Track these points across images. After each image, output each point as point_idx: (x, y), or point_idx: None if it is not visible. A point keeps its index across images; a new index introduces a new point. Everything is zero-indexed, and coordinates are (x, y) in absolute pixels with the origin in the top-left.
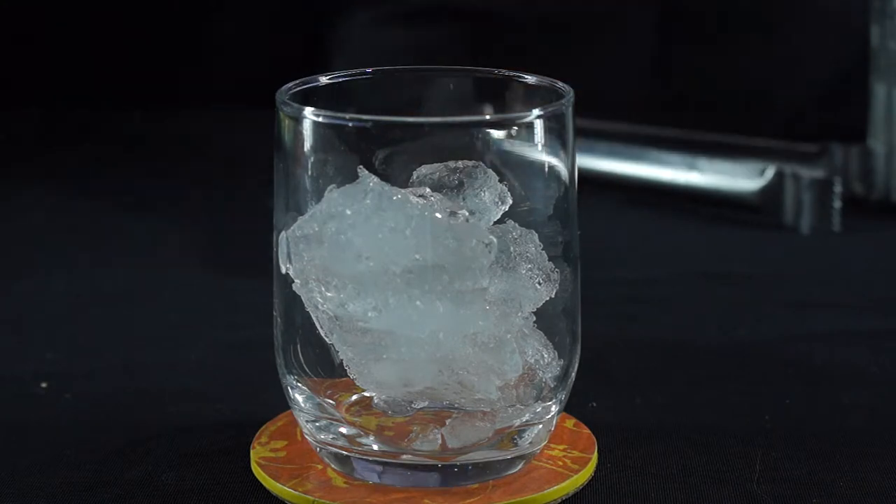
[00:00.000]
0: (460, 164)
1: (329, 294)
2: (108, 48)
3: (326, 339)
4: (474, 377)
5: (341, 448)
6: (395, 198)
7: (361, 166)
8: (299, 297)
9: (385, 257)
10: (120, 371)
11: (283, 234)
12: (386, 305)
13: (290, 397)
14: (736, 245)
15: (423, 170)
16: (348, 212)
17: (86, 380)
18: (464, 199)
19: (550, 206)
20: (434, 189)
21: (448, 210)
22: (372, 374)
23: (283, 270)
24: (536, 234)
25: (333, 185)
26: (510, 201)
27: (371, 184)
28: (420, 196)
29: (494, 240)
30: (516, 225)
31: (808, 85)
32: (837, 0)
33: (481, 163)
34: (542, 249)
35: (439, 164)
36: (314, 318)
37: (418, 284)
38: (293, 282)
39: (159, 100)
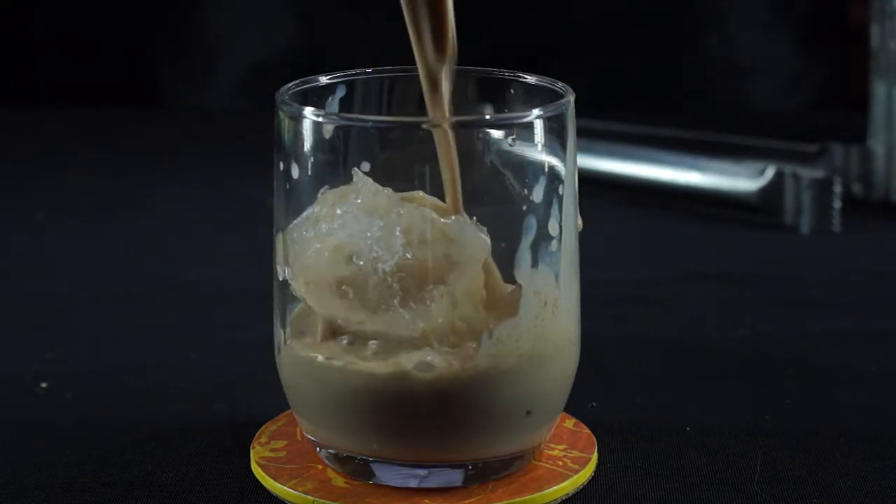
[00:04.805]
0: None
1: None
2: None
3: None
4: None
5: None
6: (385, 198)
7: (356, 168)
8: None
9: (375, 257)
10: (120, 371)
11: (278, 235)
12: (377, 306)
13: (290, 397)
14: (736, 245)
15: None
16: (338, 212)
17: (86, 380)
18: None
19: (550, 207)
20: None
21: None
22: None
23: (281, 274)
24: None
25: (326, 187)
26: None
27: (361, 185)
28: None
29: (488, 239)
30: None
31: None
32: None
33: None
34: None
35: None
36: (314, 317)
37: (409, 284)
38: (290, 283)
39: (159, 99)
